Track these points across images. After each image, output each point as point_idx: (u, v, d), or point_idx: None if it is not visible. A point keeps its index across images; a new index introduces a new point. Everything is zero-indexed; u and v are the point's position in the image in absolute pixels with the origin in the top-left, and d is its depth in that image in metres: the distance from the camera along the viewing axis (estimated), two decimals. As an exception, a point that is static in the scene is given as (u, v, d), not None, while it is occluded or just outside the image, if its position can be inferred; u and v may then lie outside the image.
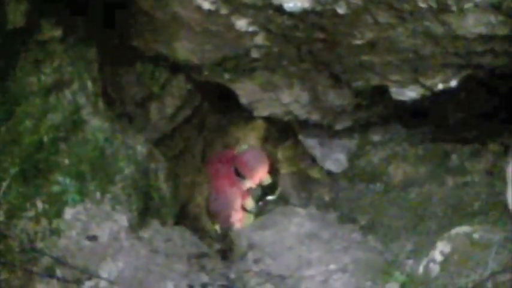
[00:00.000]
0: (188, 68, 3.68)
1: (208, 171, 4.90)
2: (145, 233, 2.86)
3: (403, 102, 3.05)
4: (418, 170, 4.20)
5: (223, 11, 2.14)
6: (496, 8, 1.87)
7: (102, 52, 3.18)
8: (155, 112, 4.05)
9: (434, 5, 1.74)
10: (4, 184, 2.23)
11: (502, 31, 2.05)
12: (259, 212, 5.18)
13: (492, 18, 1.94)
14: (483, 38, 2.13)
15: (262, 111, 3.93)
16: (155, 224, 3.03)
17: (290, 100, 3.63)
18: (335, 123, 4.10)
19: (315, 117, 3.86)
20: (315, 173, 5.13)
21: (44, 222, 2.41)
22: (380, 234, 3.65)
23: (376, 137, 4.79)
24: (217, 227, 4.82)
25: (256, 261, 3.10)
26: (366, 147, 4.79)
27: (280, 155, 5.70)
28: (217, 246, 3.96)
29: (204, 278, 2.68)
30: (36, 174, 2.48)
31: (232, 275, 2.88)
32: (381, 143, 4.72)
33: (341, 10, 1.79)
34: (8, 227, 2.27)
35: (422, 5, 1.74)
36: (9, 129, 2.39)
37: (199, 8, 2.15)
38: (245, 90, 3.69)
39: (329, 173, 4.88)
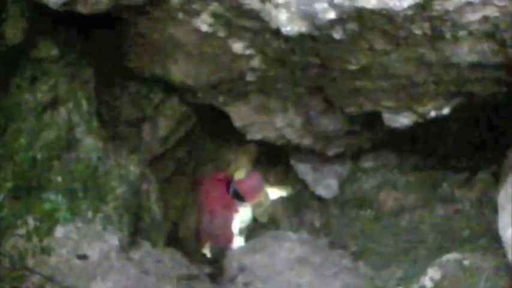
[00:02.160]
0: (182, 90, 3.71)
1: (200, 193, 4.88)
2: (135, 254, 2.85)
3: (395, 129, 3.10)
4: (409, 197, 4.24)
5: (221, 33, 2.18)
6: (490, 37, 1.92)
7: (97, 72, 3.21)
8: (148, 133, 4.06)
9: (429, 32, 1.79)
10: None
11: (494, 59, 2.10)
12: (249, 235, 5.18)
13: (485, 46, 1.99)
14: (476, 66, 2.19)
15: (256, 134, 3.97)
16: (146, 245, 3.02)
17: (283, 124, 3.67)
18: (327, 149, 4.14)
19: (307, 141, 3.89)
20: (306, 198, 5.15)
21: (34, 239, 2.40)
22: (370, 260, 3.65)
23: (367, 164, 4.83)
24: (207, 250, 4.81)
25: (246, 284, 3.09)
26: (357, 173, 4.84)
27: (271, 179, 5.74)
28: (207, 269, 3.94)
29: (194, 300, 2.67)
30: (29, 191, 2.48)
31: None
32: (372, 170, 4.77)
33: (337, 35, 1.83)
34: (-3, 245, 2.27)
35: (417, 31, 1.79)
36: (4, 145, 2.40)
37: (196, 31, 2.19)
38: (239, 113, 3.73)
39: (320, 199, 4.91)
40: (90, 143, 2.86)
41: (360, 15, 1.69)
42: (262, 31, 2.01)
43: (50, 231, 2.50)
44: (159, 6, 2.14)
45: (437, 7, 1.62)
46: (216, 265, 4.12)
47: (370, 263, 3.57)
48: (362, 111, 2.99)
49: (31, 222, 2.45)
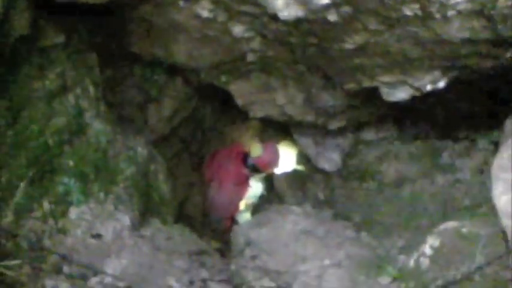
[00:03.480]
0: (185, 71, 3.79)
1: (208, 169, 5.00)
2: (146, 231, 2.97)
3: (394, 103, 3.18)
4: (410, 168, 4.29)
5: (221, 18, 2.26)
6: (478, 14, 1.99)
7: (102, 57, 3.29)
8: (153, 114, 4.17)
9: (419, 13, 1.86)
10: (22, 185, 2.34)
11: (484, 35, 2.18)
12: (255, 209, 5.30)
13: (475, 23, 2.06)
14: (467, 42, 2.26)
15: (258, 112, 4.05)
16: (156, 222, 3.14)
17: (285, 101, 3.75)
18: (328, 124, 4.22)
19: (309, 117, 3.98)
20: (309, 172, 5.26)
21: (50, 221, 2.52)
22: (373, 230, 3.73)
23: (369, 136, 4.92)
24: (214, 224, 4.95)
25: (253, 257, 3.20)
26: (359, 146, 4.91)
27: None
28: (215, 244, 4.07)
29: (204, 274, 2.79)
30: (43, 176, 2.59)
31: (231, 271, 3.00)
32: (374, 142, 4.85)
33: (332, 18, 1.90)
34: (16, 227, 2.38)
35: (408, 12, 1.86)
36: (16, 133, 2.50)
37: (198, 16, 2.27)
38: (241, 92, 3.81)
39: (323, 172, 5.01)
40: (98, 127, 2.96)
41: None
42: (261, 15, 2.09)
43: (64, 213, 2.62)
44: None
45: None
46: (224, 239, 4.26)
47: (372, 233, 3.66)
48: (361, 87, 3.07)
49: (46, 205, 2.56)
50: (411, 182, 4.08)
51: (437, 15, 1.89)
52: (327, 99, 3.57)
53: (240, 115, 4.76)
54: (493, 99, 4.18)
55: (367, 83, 2.98)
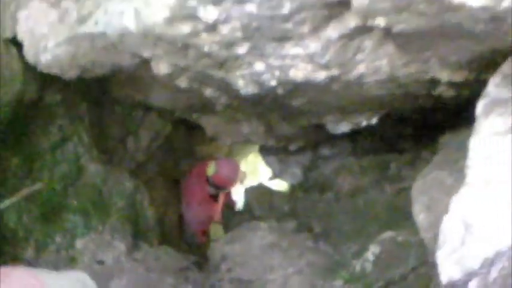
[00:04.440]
0: (160, 109, 4.51)
1: (181, 188, 5.54)
2: (138, 255, 3.69)
3: (339, 132, 3.97)
4: (363, 179, 5.04)
5: (195, 86, 2.99)
6: (392, 81, 2.76)
7: (88, 102, 3.97)
8: (132, 146, 4.86)
9: (342, 87, 2.63)
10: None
11: (399, 92, 2.97)
12: (227, 223, 5.99)
13: (390, 85, 2.84)
14: (386, 96, 3.05)
15: (226, 139, 4.81)
16: (145, 246, 3.85)
17: (249, 131, 4.50)
18: (289, 146, 5.00)
19: (270, 142, 4.75)
20: (274, 186, 6.03)
21: (63, 252, 3.23)
22: (331, 238, 4.48)
23: (325, 152, 5.70)
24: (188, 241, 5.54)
25: (228, 270, 3.94)
26: (318, 161, 5.70)
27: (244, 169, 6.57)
28: (192, 258, 4.77)
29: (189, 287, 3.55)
30: (54, 215, 3.30)
31: (210, 284, 3.75)
32: (330, 157, 5.64)
33: (280, 91, 2.65)
34: (37, 259, 3.09)
35: (335, 87, 2.62)
36: (32, 181, 3.20)
37: (176, 85, 2.98)
38: (210, 124, 4.56)
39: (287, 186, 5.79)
40: (93, 169, 3.67)
41: (294, 83, 2.53)
42: (227, 87, 2.83)
43: (72, 245, 3.33)
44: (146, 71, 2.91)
45: (343, 78, 2.47)
46: (199, 252, 4.93)
47: (330, 241, 4.43)
48: (311, 123, 3.86)
49: (58, 239, 3.27)
50: (364, 192, 4.80)
51: (357, 88, 2.67)
52: (285, 129, 4.35)
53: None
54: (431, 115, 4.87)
55: (315, 121, 3.77)
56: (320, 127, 4.23)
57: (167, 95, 3.82)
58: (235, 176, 5.01)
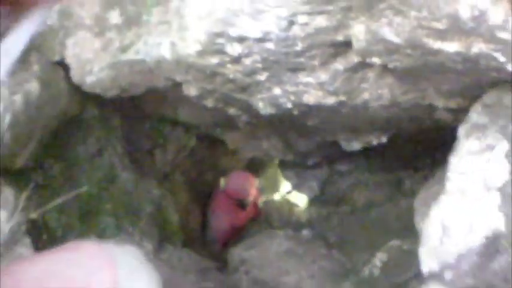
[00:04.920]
0: (186, 124, 4.98)
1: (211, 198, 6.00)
2: (164, 255, 4.14)
3: (352, 148, 4.38)
4: (378, 194, 5.43)
5: (220, 105, 3.44)
6: (395, 106, 3.17)
7: (121, 117, 4.46)
8: (159, 158, 5.33)
9: (351, 109, 3.06)
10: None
11: (404, 114, 3.37)
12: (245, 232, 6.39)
13: (393, 109, 3.25)
14: (394, 117, 3.45)
15: (247, 153, 5.25)
16: (169, 248, 4.30)
17: (268, 147, 4.94)
18: (306, 161, 5.42)
19: (288, 157, 5.18)
20: (292, 198, 6.44)
21: (98, 251, 3.68)
22: (345, 248, 4.89)
23: (342, 168, 6.09)
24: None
25: (246, 272, 4.37)
26: (334, 176, 6.10)
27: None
28: (214, 263, 5.21)
29: (209, 285, 3.98)
30: (90, 217, 3.76)
31: (229, 283, 4.18)
32: (347, 173, 6.03)
33: (295, 113, 3.09)
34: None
35: (344, 111, 3.06)
36: (72, 186, 3.67)
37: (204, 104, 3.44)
38: (232, 140, 5.00)
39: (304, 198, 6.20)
40: (125, 177, 4.14)
41: (307, 105, 2.96)
42: (248, 107, 3.28)
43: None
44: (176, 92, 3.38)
45: (350, 103, 2.90)
46: (221, 259, 5.36)
47: (343, 251, 4.84)
48: (325, 140, 4.29)
49: (92, 238, 3.73)
50: (378, 206, 5.21)
51: (363, 110, 3.10)
52: (302, 145, 4.77)
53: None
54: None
55: (329, 138, 4.19)
56: (335, 144, 4.63)
57: (194, 112, 4.29)
58: (245, 186, 5.53)
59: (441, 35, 1.91)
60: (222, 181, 5.61)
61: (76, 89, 3.49)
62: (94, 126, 3.99)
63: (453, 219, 2.22)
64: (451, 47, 1.97)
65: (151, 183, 4.50)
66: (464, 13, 1.76)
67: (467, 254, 2.14)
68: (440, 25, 1.86)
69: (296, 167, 6.08)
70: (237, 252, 4.83)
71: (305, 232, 5.49)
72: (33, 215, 3.38)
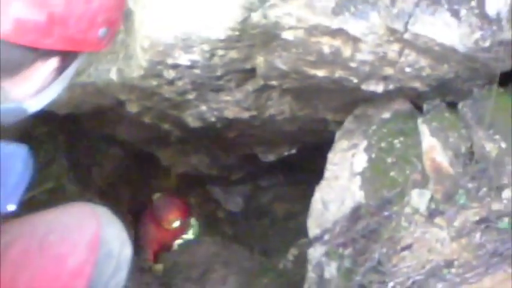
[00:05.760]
0: (123, 142, 5.82)
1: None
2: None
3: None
4: (296, 206, 6.42)
5: (156, 121, 4.33)
6: (295, 119, 4.18)
7: (65, 134, 5.27)
8: (97, 174, 6.12)
9: (260, 121, 4.06)
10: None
11: (305, 127, 4.38)
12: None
13: (295, 123, 4.25)
14: (298, 131, 4.46)
15: (178, 169, 6.15)
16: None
17: (197, 161, 5.86)
18: (230, 175, 6.38)
19: (215, 172, 6.11)
20: (220, 213, 7.34)
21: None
22: (266, 252, 5.83)
23: (264, 183, 7.07)
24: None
25: (179, 271, 5.26)
26: (257, 191, 7.07)
27: (192, 200, 7.84)
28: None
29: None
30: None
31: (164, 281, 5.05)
32: (268, 187, 7.02)
33: (218, 125, 4.02)
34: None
35: (257, 124, 4.04)
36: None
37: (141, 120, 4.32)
38: (165, 156, 5.89)
39: (230, 212, 7.11)
40: (71, 189, 4.94)
41: (227, 119, 3.93)
42: (180, 122, 4.19)
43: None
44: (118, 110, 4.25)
45: (260, 116, 3.90)
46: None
47: (265, 255, 5.78)
48: (245, 153, 5.26)
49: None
50: (296, 217, 6.19)
51: (270, 123, 4.09)
52: (226, 159, 5.72)
53: (162, 170, 6.74)
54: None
55: (248, 151, 5.17)
56: (256, 159, 5.60)
57: (131, 129, 5.13)
58: (166, 213, 6.24)
59: (313, 64, 2.93)
60: (155, 196, 6.34)
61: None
62: (43, 141, 4.78)
63: (330, 196, 3.23)
64: (321, 72, 2.98)
65: (94, 195, 5.29)
66: (326, 50, 2.78)
67: (339, 220, 3.14)
68: (311, 58, 2.87)
69: (222, 184, 7.00)
70: (169, 257, 5.73)
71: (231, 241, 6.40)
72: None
